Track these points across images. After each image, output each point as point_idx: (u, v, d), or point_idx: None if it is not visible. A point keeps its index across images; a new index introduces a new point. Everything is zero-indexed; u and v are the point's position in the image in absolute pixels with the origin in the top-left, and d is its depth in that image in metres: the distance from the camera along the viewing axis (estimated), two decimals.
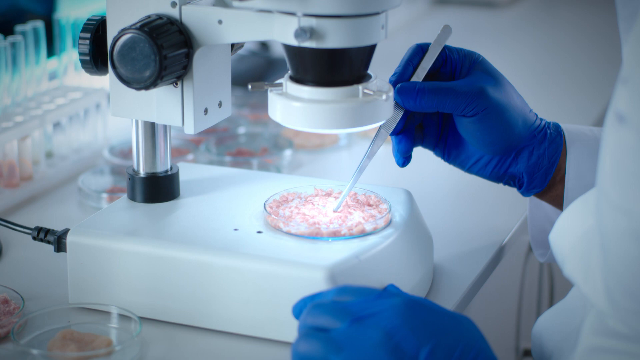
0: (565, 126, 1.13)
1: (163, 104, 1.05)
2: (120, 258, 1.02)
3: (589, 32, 2.28)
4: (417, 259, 1.06)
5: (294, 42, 0.97)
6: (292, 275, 0.97)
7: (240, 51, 1.14)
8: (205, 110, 1.06)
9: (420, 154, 1.16)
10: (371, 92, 1.00)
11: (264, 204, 1.07)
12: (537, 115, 1.12)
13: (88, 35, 1.05)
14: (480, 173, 1.12)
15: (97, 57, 1.05)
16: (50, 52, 1.47)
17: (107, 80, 1.07)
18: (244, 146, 1.52)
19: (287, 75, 1.03)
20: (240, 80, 1.60)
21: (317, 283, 0.96)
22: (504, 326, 1.64)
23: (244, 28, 1.00)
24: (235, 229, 1.04)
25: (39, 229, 1.09)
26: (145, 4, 1.02)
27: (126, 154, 1.47)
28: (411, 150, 1.11)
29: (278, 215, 1.05)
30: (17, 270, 1.15)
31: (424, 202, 1.20)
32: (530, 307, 1.71)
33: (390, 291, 0.95)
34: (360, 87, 1.00)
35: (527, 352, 1.67)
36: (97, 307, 1.03)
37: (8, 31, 1.42)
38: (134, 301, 1.02)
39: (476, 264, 1.15)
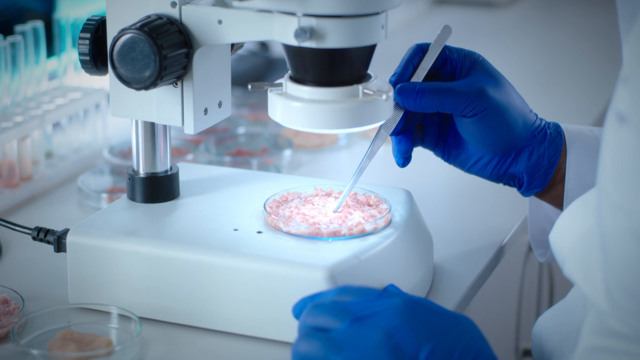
0: (565, 126, 1.13)
1: (163, 104, 1.05)
2: (120, 258, 1.02)
3: (588, 32, 2.28)
4: (417, 259, 1.06)
5: (294, 42, 0.97)
6: (292, 275, 0.97)
7: (240, 51, 1.14)
8: (205, 111, 1.06)
9: (420, 154, 1.16)
10: (371, 92, 1.00)
11: (264, 204, 1.07)
12: (537, 116, 1.12)
13: (88, 35, 1.05)
14: (480, 173, 1.12)
15: (97, 57, 1.05)
16: (50, 52, 1.47)
17: (106, 81, 1.07)
18: (244, 146, 1.52)
19: (287, 75, 1.03)
20: (239, 80, 1.60)
21: (317, 283, 0.96)
22: (503, 326, 1.64)
23: (244, 28, 1.00)
24: (235, 229, 1.04)
25: (39, 229, 1.09)
26: (145, 4, 1.02)
27: (126, 154, 1.47)
28: (411, 150, 1.11)
29: (278, 215, 1.05)
30: (17, 271, 1.15)
31: (424, 202, 1.20)
32: (530, 307, 1.71)
33: (391, 291, 0.95)
34: (360, 87, 1.00)
35: (527, 352, 1.67)
36: (97, 307, 1.03)
37: (8, 31, 1.42)
38: (134, 301, 1.02)
39: (476, 264, 1.15)
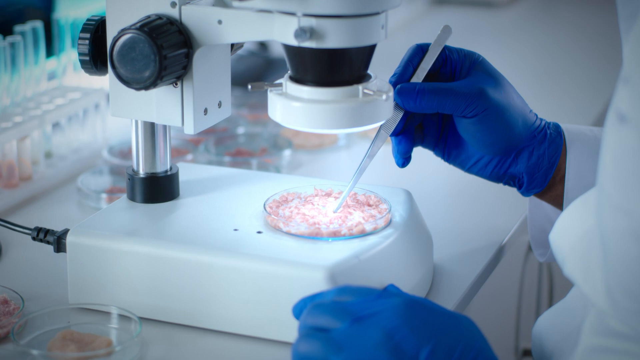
0: (565, 126, 1.13)
1: (163, 104, 1.05)
2: (120, 258, 1.02)
3: (588, 31, 2.28)
4: (417, 259, 1.06)
5: (293, 42, 0.97)
6: (292, 275, 0.97)
7: (239, 51, 1.14)
8: (205, 111, 1.06)
9: (420, 154, 1.16)
10: (371, 92, 1.00)
11: (264, 204, 1.07)
12: (537, 116, 1.12)
13: (87, 35, 1.05)
14: (480, 173, 1.12)
15: (96, 57, 1.05)
16: (49, 52, 1.47)
17: (106, 81, 1.07)
18: (243, 146, 1.52)
19: (286, 75, 1.03)
20: (239, 80, 1.60)
21: (317, 283, 0.96)
22: (503, 326, 1.64)
23: (244, 28, 1.00)
24: (235, 229, 1.04)
25: (39, 229, 1.09)
26: (145, 4, 1.02)
27: (125, 154, 1.47)
28: (411, 150, 1.11)
29: (278, 215, 1.05)
30: (16, 271, 1.15)
31: (424, 202, 1.20)
32: (529, 307, 1.71)
33: (391, 291, 0.94)
34: (360, 87, 1.00)
35: (527, 352, 1.67)
36: (97, 307, 1.03)
37: (7, 31, 1.42)
38: (134, 301, 1.02)
39: (476, 263, 1.15)
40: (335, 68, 0.99)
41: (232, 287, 0.99)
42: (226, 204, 1.10)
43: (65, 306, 1.04)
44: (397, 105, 1.08)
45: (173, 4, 1.01)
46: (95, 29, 1.05)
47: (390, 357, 0.86)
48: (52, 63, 1.50)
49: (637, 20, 0.79)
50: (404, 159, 1.11)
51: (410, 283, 1.04)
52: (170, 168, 1.11)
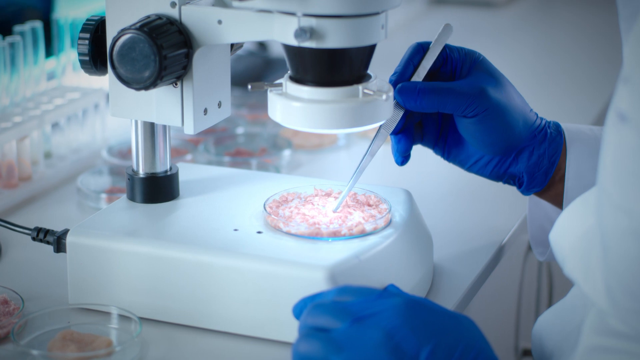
0: (565, 125, 1.13)
1: (163, 104, 1.05)
2: (120, 258, 1.02)
3: (587, 31, 2.29)
4: (417, 259, 1.06)
5: (293, 42, 0.97)
6: (292, 275, 0.97)
7: (238, 51, 1.14)
8: (205, 111, 1.06)
9: (420, 154, 1.16)
10: (371, 92, 1.00)
11: (264, 204, 1.07)
12: (537, 115, 1.12)
13: (87, 35, 1.05)
14: (480, 172, 1.12)
15: (96, 58, 1.05)
16: (49, 53, 1.47)
17: (105, 81, 1.07)
18: (243, 146, 1.51)
19: (286, 75, 1.03)
20: (238, 80, 1.60)
21: (317, 283, 0.96)
22: (503, 326, 1.64)
23: (244, 28, 1.00)
24: (235, 229, 1.04)
25: (39, 230, 1.09)
26: (145, 4, 1.02)
27: (125, 154, 1.46)
28: (410, 149, 1.11)
29: (278, 215, 1.05)
30: (16, 271, 1.15)
31: (424, 202, 1.20)
32: (529, 307, 1.71)
33: (391, 291, 0.94)
34: (360, 87, 1.00)
35: (527, 352, 1.67)
36: (97, 307, 1.03)
37: (6, 31, 1.42)
38: (134, 301, 1.02)
39: (476, 263, 1.15)
40: (335, 68, 0.99)
41: (232, 287, 0.99)
42: (226, 204, 1.10)
43: (65, 306, 1.04)
44: (398, 104, 1.08)
45: (173, 4, 1.01)
46: (95, 29, 1.05)
47: (391, 357, 0.86)
48: (51, 63, 1.50)
49: (637, 20, 0.79)
50: (403, 158, 1.11)
51: (410, 283, 1.04)
52: (170, 168, 1.11)
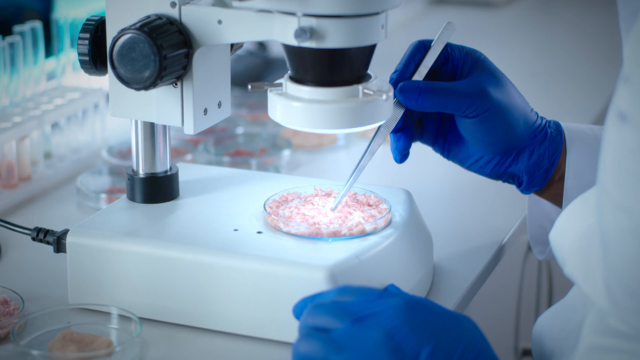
0: (565, 124, 1.13)
1: (163, 104, 1.05)
2: (120, 258, 1.02)
3: (586, 30, 2.29)
4: (417, 258, 1.06)
5: (294, 42, 0.97)
6: (293, 275, 0.97)
7: (238, 51, 1.14)
8: (205, 111, 1.06)
9: (420, 154, 1.16)
10: (371, 92, 1.00)
11: (264, 204, 1.07)
12: (537, 114, 1.12)
13: (87, 35, 1.04)
14: (479, 171, 1.12)
15: (96, 58, 1.05)
16: (48, 53, 1.47)
17: (105, 81, 1.07)
18: (243, 146, 1.51)
19: (286, 75, 1.03)
20: (237, 80, 1.60)
21: (317, 283, 0.96)
22: (503, 326, 1.64)
23: (244, 28, 1.00)
24: (235, 229, 1.04)
25: (39, 230, 1.09)
26: (145, 4, 1.02)
27: (124, 154, 1.46)
28: (409, 147, 1.11)
29: (278, 215, 1.05)
30: (16, 271, 1.15)
31: (424, 202, 1.20)
32: (529, 307, 1.71)
33: (391, 291, 0.94)
34: (360, 87, 1.00)
35: (526, 352, 1.67)
36: (97, 307, 1.03)
37: (6, 31, 1.42)
38: (134, 302, 1.02)
39: (476, 263, 1.15)
40: (335, 68, 0.99)
41: (232, 287, 0.99)
42: (226, 204, 1.10)
43: (65, 306, 1.04)
44: (398, 103, 1.08)
45: (173, 4, 1.01)
46: (95, 29, 1.05)
47: (391, 357, 0.86)
48: (51, 63, 1.50)
49: (637, 20, 0.79)
50: (402, 155, 1.11)
51: (410, 283, 1.04)
52: (170, 168, 1.11)
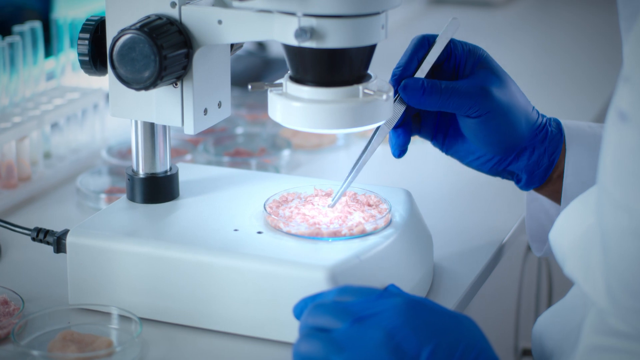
0: (564, 122, 1.13)
1: (163, 104, 1.05)
2: (120, 259, 1.02)
3: (585, 30, 2.29)
4: (417, 258, 1.06)
5: (294, 42, 0.97)
6: (293, 275, 0.97)
7: (237, 51, 1.14)
8: (205, 111, 1.06)
9: (420, 154, 1.16)
10: (371, 92, 1.00)
11: (264, 204, 1.07)
12: (538, 113, 1.12)
13: (87, 35, 1.04)
14: (479, 168, 1.12)
15: (96, 58, 1.05)
16: (48, 53, 1.47)
17: (105, 81, 1.07)
18: (242, 146, 1.51)
19: (287, 75, 1.03)
20: (237, 80, 1.60)
21: (317, 283, 0.96)
22: (502, 326, 1.64)
23: (244, 28, 1.00)
24: (236, 229, 1.04)
25: (38, 230, 1.09)
26: (145, 4, 1.02)
27: (124, 154, 1.46)
28: (408, 142, 1.11)
29: (278, 215, 1.05)
30: (16, 271, 1.15)
31: (424, 202, 1.19)
32: (529, 307, 1.71)
33: (391, 291, 0.94)
34: (360, 87, 1.00)
35: (526, 352, 1.67)
36: (97, 308, 1.03)
37: (6, 31, 1.42)
38: (134, 302, 1.02)
39: (476, 263, 1.15)
40: (335, 68, 0.99)
41: (232, 287, 0.99)
42: (226, 204, 1.10)
43: (66, 307, 1.04)
44: (400, 99, 1.07)
45: (173, 4, 1.01)
46: (95, 29, 1.05)
47: (392, 357, 0.86)
48: (50, 63, 1.50)
49: (637, 19, 0.79)
50: (400, 150, 1.11)
51: (410, 283, 1.04)
52: (170, 168, 1.11)
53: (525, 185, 1.12)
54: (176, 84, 1.03)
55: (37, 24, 1.40)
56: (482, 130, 1.08)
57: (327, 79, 1.00)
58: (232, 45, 1.09)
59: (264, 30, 0.99)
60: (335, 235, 1.02)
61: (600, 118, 1.67)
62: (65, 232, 1.07)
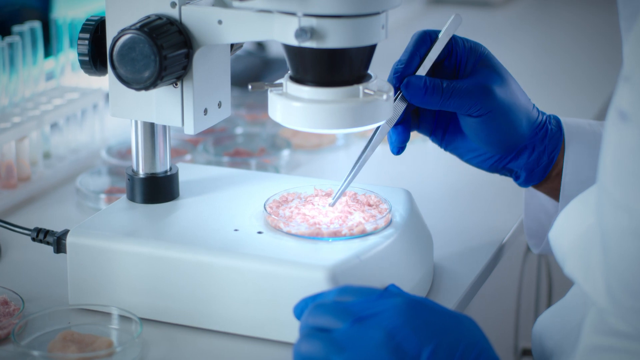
0: (564, 120, 1.13)
1: (163, 104, 1.05)
2: (121, 259, 1.02)
3: (585, 30, 2.29)
4: (417, 258, 1.06)
5: (294, 42, 0.97)
6: (293, 275, 0.97)
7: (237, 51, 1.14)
8: (205, 111, 1.06)
9: (420, 153, 1.16)
10: (372, 92, 1.00)
11: (264, 204, 1.07)
12: (539, 111, 1.12)
13: (87, 35, 1.04)
14: (478, 165, 1.12)
15: (96, 58, 1.05)
16: (47, 53, 1.47)
17: (104, 81, 1.06)
18: (242, 146, 1.51)
19: (287, 75, 1.03)
20: (236, 80, 1.59)
21: (318, 283, 0.96)
22: (502, 325, 1.64)
23: (244, 28, 1.00)
24: (236, 230, 1.04)
25: (38, 230, 1.09)
26: (145, 4, 1.02)
27: (124, 154, 1.46)
28: (407, 140, 1.11)
29: (278, 215, 1.05)
30: (16, 272, 1.15)
31: (424, 202, 1.20)
32: (529, 307, 1.71)
33: (392, 291, 0.94)
34: (360, 87, 1.00)
35: (526, 352, 1.67)
36: (97, 308, 1.03)
37: (5, 32, 1.42)
38: (134, 302, 1.02)
39: (476, 263, 1.15)
40: (335, 68, 0.99)
41: (232, 287, 0.99)
42: (226, 204, 1.10)
43: (66, 307, 1.04)
44: (402, 97, 1.07)
45: (173, 4, 1.01)
46: (95, 29, 1.05)
47: (392, 357, 0.86)
48: (50, 63, 1.50)
49: (637, 19, 0.79)
50: (399, 148, 1.11)
51: (410, 283, 1.04)
52: (170, 168, 1.11)
53: (524, 183, 1.13)
54: (176, 84, 1.03)
55: (37, 24, 1.40)
56: (483, 130, 1.08)
57: (327, 79, 1.00)
58: (232, 45, 1.09)
59: (264, 30, 0.99)
60: (336, 235, 1.02)
61: (600, 118, 1.67)
62: (65, 232, 1.07)
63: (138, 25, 0.99)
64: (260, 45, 1.89)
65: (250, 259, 0.99)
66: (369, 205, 1.08)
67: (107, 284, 1.03)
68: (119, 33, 1.00)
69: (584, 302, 0.95)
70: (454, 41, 1.08)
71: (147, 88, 1.00)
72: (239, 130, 1.57)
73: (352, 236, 1.02)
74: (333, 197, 1.07)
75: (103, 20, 1.05)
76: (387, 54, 1.41)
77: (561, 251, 0.92)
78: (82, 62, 1.05)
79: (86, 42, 1.04)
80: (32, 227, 1.10)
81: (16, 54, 1.35)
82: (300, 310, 0.94)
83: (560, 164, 1.12)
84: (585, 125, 1.12)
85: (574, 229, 0.90)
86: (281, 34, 0.98)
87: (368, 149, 1.08)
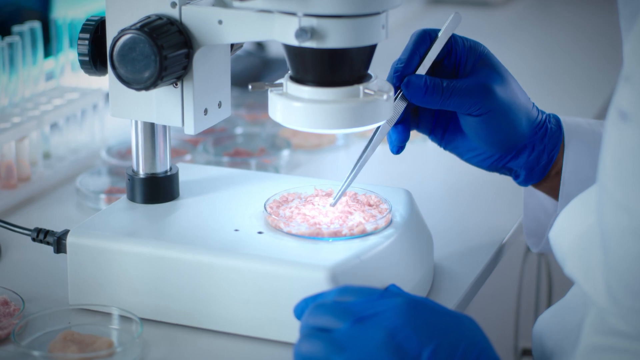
0: (563, 119, 1.13)
1: (163, 104, 1.05)
2: (121, 259, 1.02)
3: (585, 30, 2.29)
4: (417, 258, 1.06)
5: (294, 42, 0.97)
6: (293, 275, 0.97)
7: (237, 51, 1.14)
8: (205, 111, 1.06)
9: (420, 153, 1.16)
10: (372, 92, 1.00)
11: (265, 205, 1.07)
12: (538, 110, 1.12)
13: (87, 35, 1.04)
14: (478, 164, 1.12)
15: (96, 58, 1.05)
16: (47, 53, 1.47)
17: (104, 81, 1.06)
18: (242, 146, 1.51)
19: (287, 75, 1.03)
20: (236, 80, 1.59)
21: (318, 283, 0.96)
22: (502, 325, 1.64)
23: (244, 28, 1.00)
24: (236, 230, 1.04)
25: (39, 230, 1.09)
26: (145, 4, 1.02)
27: (123, 154, 1.46)
28: (407, 139, 1.11)
29: (278, 215, 1.05)
30: (16, 272, 1.14)
31: (424, 202, 1.19)
32: (529, 307, 1.71)
33: (392, 291, 0.94)
34: (361, 87, 1.00)
35: (526, 352, 1.67)
36: (97, 308, 1.03)
37: (5, 32, 1.41)
38: (134, 302, 1.02)
39: (476, 263, 1.15)
40: (336, 68, 0.99)
41: (233, 287, 0.99)
42: (226, 204, 1.10)
43: (66, 307, 1.04)
44: (402, 97, 1.07)
45: (173, 4, 1.01)
46: (95, 29, 1.05)
47: (393, 357, 0.86)
48: (50, 63, 1.50)
49: (637, 19, 0.79)
50: (398, 147, 1.11)
51: (411, 283, 1.04)
52: (170, 168, 1.11)
53: (523, 182, 1.13)
54: (176, 84, 1.03)
55: (37, 24, 1.40)
56: (483, 129, 1.08)
57: (328, 79, 1.00)
58: (232, 46, 1.09)
59: (265, 30, 0.99)
60: (336, 235, 1.02)
61: (600, 118, 1.67)
62: (66, 232, 1.07)
63: (138, 25, 0.99)
64: (260, 45, 1.89)
65: (250, 259, 0.99)
66: (369, 205, 1.08)
67: (108, 284, 1.03)
68: (119, 33, 1.00)
69: (584, 302, 0.95)
70: (453, 40, 1.08)
71: (147, 88, 1.00)
72: (239, 130, 1.57)
73: (353, 236, 1.02)
74: (334, 197, 1.07)
75: (103, 20, 1.05)
76: (387, 53, 1.41)
77: (561, 251, 0.92)
78: (82, 62, 1.05)
79: (86, 42, 1.04)
80: (32, 227, 1.10)
81: (16, 54, 1.35)
82: (300, 310, 0.94)
83: (559, 163, 1.12)
84: (584, 124, 1.12)
85: (574, 228, 0.90)
86: (281, 34, 0.98)
87: (368, 149, 1.08)
